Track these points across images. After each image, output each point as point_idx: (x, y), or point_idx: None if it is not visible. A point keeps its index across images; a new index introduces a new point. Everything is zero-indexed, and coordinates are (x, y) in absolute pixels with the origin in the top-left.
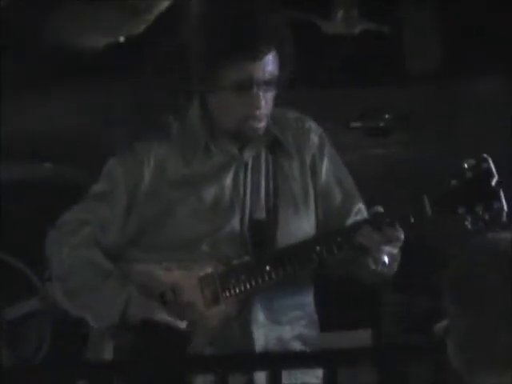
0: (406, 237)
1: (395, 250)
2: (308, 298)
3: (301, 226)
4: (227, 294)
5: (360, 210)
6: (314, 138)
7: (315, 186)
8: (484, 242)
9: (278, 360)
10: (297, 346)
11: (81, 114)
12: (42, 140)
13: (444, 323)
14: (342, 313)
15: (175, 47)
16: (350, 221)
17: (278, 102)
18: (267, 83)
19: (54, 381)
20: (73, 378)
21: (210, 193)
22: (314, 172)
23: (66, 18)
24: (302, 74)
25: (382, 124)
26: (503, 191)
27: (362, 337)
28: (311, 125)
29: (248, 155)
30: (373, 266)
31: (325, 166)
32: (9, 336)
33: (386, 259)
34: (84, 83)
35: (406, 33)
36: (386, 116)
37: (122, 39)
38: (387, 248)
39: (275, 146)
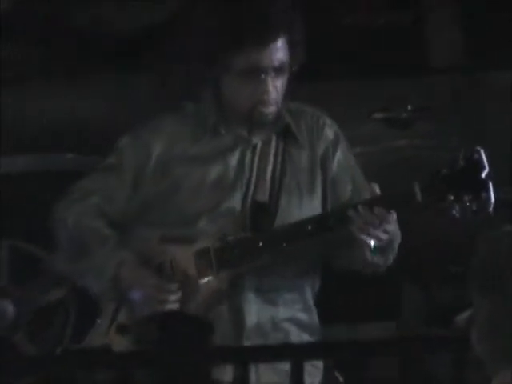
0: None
1: (383, 235)
2: (306, 284)
3: (302, 214)
4: (221, 268)
5: None
6: (329, 133)
7: (324, 179)
8: (508, 233)
9: (301, 351)
10: (290, 328)
11: (106, 104)
12: (65, 130)
13: (465, 315)
14: (365, 304)
15: (188, 34)
16: None
17: (298, 92)
18: (276, 70)
19: (72, 370)
20: (92, 368)
21: (213, 172)
22: (325, 165)
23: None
24: (323, 65)
25: (404, 115)
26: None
27: (385, 328)
28: (327, 120)
29: (257, 138)
30: (362, 252)
31: (336, 161)
32: (32, 325)
33: (372, 243)
34: (108, 72)
35: (429, 23)
36: (409, 107)
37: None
38: (375, 231)
39: (287, 134)
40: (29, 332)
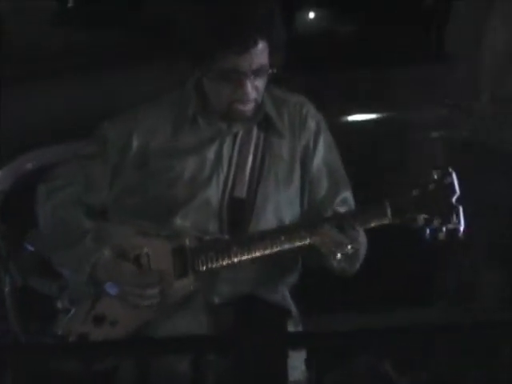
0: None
1: (349, 250)
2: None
3: (278, 207)
4: (196, 267)
5: (346, 200)
6: (311, 124)
7: (305, 171)
8: None
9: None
10: None
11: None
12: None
13: None
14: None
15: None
16: (331, 210)
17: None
18: (255, 72)
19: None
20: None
21: (191, 164)
22: (305, 159)
23: None
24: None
25: None
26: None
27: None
28: (310, 110)
29: (236, 130)
30: (329, 258)
31: (318, 153)
32: None
33: (339, 256)
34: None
35: None
36: None
37: None
38: (342, 248)
39: (267, 124)
40: None
